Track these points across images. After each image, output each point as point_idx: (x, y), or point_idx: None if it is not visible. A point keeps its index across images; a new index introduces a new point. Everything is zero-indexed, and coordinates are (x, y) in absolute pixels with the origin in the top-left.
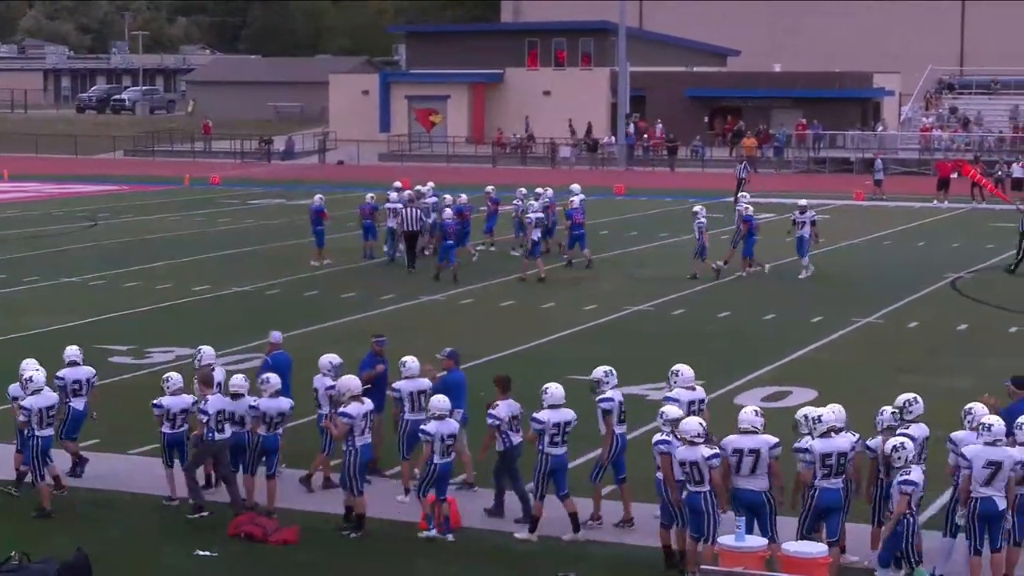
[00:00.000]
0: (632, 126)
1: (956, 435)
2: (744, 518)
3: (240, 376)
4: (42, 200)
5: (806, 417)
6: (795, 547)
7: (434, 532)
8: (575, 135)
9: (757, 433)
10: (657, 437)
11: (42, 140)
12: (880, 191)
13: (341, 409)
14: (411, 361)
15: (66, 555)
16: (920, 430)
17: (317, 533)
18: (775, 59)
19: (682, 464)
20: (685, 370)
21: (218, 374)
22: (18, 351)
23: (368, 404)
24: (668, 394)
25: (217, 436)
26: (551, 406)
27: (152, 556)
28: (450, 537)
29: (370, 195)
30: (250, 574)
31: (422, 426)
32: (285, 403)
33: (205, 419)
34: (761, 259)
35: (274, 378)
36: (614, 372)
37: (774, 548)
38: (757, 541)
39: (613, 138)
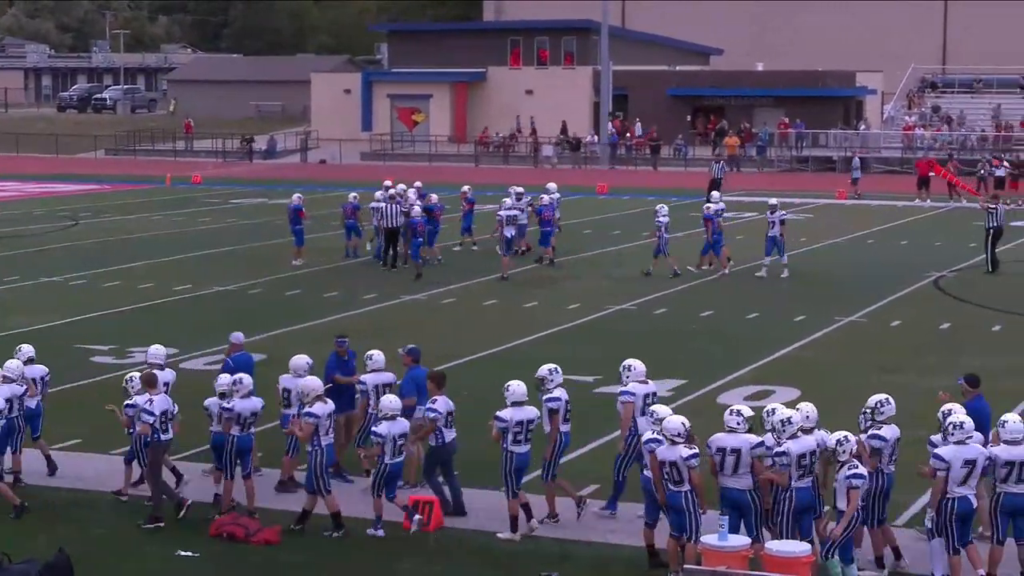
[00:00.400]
0: (608, 125)
1: (936, 438)
2: (728, 517)
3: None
4: (23, 199)
5: (781, 422)
6: (778, 546)
7: (380, 532)
8: (565, 134)
9: (738, 432)
10: (648, 436)
11: (23, 139)
12: (856, 189)
13: (306, 409)
14: (377, 355)
15: (48, 556)
16: (892, 431)
17: (299, 533)
18: (758, 58)
19: (662, 463)
20: (637, 364)
21: (167, 375)
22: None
23: (331, 404)
24: (623, 388)
25: (163, 436)
26: (513, 403)
27: (134, 556)
28: (415, 527)
29: (353, 194)
30: (232, 574)
31: (373, 427)
32: (258, 403)
33: (151, 420)
34: (724, 260)
35: (247, 379)
36: (559, 370)
37: (758, 547)
38: (740, 540)
39: (596, 137)
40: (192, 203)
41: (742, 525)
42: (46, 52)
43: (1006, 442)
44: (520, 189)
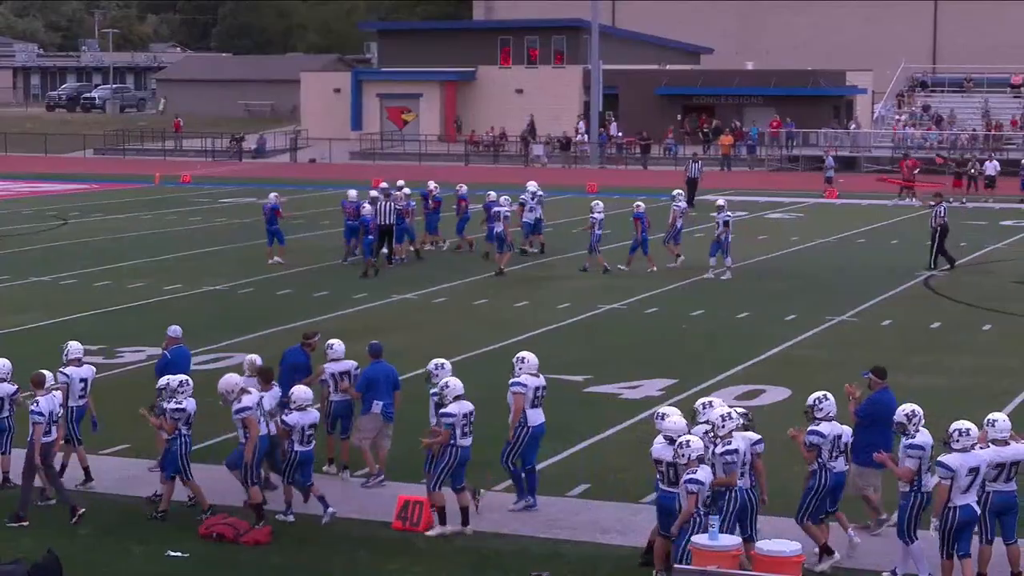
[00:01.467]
0: (581, 124)
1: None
2: (718, 516)
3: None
4: (11, 199)
5: (721, 417)
6: (768, 546)
7: (291, 518)
8: (581, 132)
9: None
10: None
11: (11, 138)
12: (831, 188)
13: (237, 406)
14: (337, 344)
15: (36, 556)
16: (832, 428)
17: (288, 534)
18: (748, 57)
19: (657, 462)
20: (530, 357)
21: (86, 371)
22: None
23: (256, 394)
24: (514, 379)
25: (47, 438)
26: (456, 398)
27: (123, 557)
28: (327, 519)
29: (352, 191)
30: (222, 575)
31: (283, 416)
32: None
33: (40, 420)
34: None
35: (185, 379)
36: (447, 365)
37: (749, 547)
38: (730, 540)
39: (586, 136)
40: (182, 202)
41: (735, 525)
42: (35, 51)
43: (994, 441)
44: (535, 187)
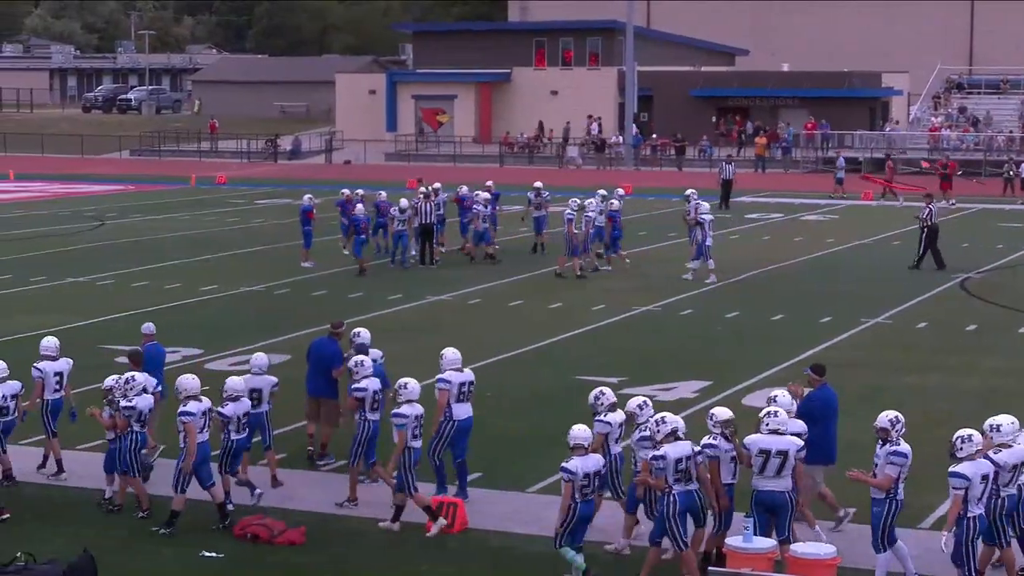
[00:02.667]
0: (596, 127)
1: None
2: (753, 519)
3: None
4: (48, 200)
5: (656, 421)
6: (803, 548)
7: (230, 507)
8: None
9: (783, 434)
10: (705, 440)
11: (48, 140)
12: (841, 190)
13: (181, 408)
14: (412, 384)
15: (71, 556)
16: (675, 449)
17: (323, 534)
18: (783, 58)
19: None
20: (449, 353)
21: (61, 364)
22: (25, 351)
23: (206, 402)
24: (440, 376)
25: None
26: (408, 401)
27: (157, 557)
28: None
29: (382, 192)
30: (254, 575)
31: (220, 408)
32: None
33: None
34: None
35: (131, 376)
36: (365, 362)
37: (784, 548)
38: (766, 542)
39: (620, 137)
40: (218, 204)
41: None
42: (71, 53)
43: (1001, 446)
44: (604, 192)
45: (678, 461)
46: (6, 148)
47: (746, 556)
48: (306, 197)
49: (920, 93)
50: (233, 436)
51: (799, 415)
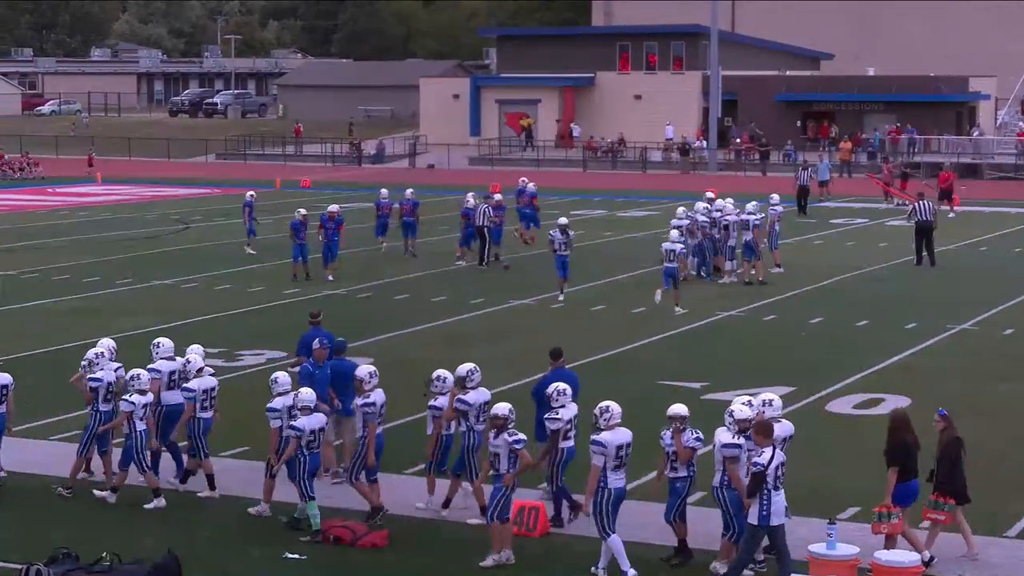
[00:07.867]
0: (669, 130)
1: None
2: (836, 526)
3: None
4: (135, 203)
5: (600, 410)
6: (887, 556)
7: (161, 503)
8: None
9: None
10: (725, 440)
11: (135, 143)
12: (826, 191)
13: (125, 398)
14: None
15: (156, 557)
16: (615, 435)
17: (405, 537)
18: (868, 62)
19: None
20: (165, 341)
21: (210, 381)
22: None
23: (150, 396)
24: (151, 365)
25: None
26: (376, 386)
27: (241, 558)
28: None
29: (410, 190)
30: None
31: (293, 423)
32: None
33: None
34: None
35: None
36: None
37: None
38: (848, 549)
39: (704, 142)
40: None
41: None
42: (158, 57)
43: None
44: (712, 195)
45: (618, 448)
46: (94, 151)
47: (828, 563)
48: (408, 192)
49: (1007, 98)
50: (200, 415)
51: (533, 397)
